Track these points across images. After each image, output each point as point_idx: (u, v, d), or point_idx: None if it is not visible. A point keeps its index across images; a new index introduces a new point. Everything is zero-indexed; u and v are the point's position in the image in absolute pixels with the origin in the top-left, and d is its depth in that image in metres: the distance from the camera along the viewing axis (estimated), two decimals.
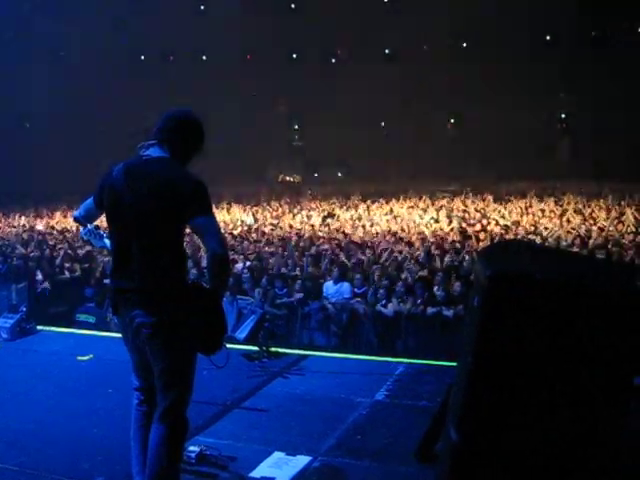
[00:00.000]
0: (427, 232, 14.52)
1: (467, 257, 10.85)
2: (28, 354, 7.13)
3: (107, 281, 9.96)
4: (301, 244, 13.19)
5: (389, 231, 14.92)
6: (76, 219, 3.96)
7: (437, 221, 16.67)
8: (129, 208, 3.38)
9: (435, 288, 9.36)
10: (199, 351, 3.57)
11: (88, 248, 12.74)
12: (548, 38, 34.32)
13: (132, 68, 34.91)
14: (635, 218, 14.93)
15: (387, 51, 36.43)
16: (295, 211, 20.56)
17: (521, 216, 17.21)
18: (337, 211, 20.20)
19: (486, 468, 2.74)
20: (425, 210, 19.36)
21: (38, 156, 30.72)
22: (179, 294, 3.42)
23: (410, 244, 12.60)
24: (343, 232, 14.88)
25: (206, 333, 3.51)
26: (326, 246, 12.68)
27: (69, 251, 12.50)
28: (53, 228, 17.34)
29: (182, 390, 3.54)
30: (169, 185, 3.37)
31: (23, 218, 20.37)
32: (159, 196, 3.34)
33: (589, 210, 17.85)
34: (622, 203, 18.75)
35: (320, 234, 14.86)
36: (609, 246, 11.39)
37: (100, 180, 3.58)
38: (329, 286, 9.97)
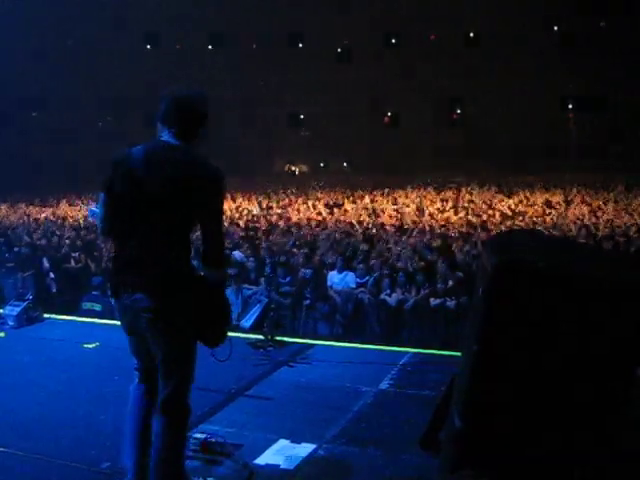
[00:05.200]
0: (433, 223, 14.51)
1: (472, 248, 10.85)
2: (34, 342, 7.17)
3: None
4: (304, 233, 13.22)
5: (394, 221, 14.92)
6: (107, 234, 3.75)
7: (443, 212, 16.67)
8: (146, 193, 3.32)
9: (437, 278, 9.38)
10: (202, 342, 3.57)
11: (92, 237, 12.82)
12: (556, 28, 34.15)
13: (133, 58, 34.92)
14: None
15: (393, 40, 36.35)
16: (301, 201, 20.58)
17: (527, 207, 17.19)
18: (343, 201, 20.21)
19: (490, 455, 2.76)
20: (432, 201, 19.35)
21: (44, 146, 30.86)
22: (184, 282, 3.42)
23: (415, 234, 12.60)
24: (351, 222, 14.88)
25: (209, 325, 3.51)
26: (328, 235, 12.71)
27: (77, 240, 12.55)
28: (64, 219, 17.42)
29: (182, 378, 3.53)
30: (190, 174, 3.34)
31: (30, 207, 20.48)
32: (178, 184, 3.32)
33: (596, 202, 17.80)
34: (630, 195, 18.71)
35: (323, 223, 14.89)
36: (616, 237, 11.36)
37: (113, 163, 3.42)
38: (333, 275, 9.98)
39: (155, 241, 3.38)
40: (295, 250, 11.56)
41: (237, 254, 11.18)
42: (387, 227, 13.87)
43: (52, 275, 10.99)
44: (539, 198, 19.07)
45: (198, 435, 4.33)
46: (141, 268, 3.38)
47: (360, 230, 13.62)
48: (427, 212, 16.56)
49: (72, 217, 17.78)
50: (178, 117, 3.41)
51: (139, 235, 3.39)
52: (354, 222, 14.94)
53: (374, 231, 13.37)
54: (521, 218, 14.71)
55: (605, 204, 17.03)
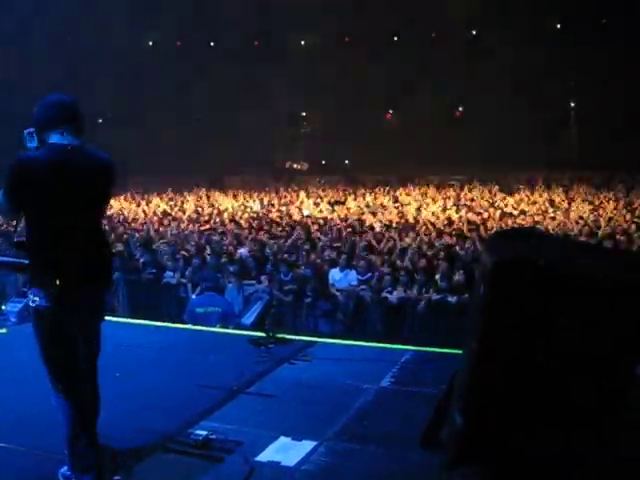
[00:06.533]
0: (434, 220, 14.51)
1: (472, 246, 10.85)
2: (27, 339, 7.15)
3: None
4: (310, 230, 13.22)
5: (395, 219, 14.92)
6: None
7: (445, 210, 16.65)
8: (72, 194, 3.51)
9: (439, 276, 9.39)
10: None
11: None
12: (558, 26, 34.05)
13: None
14: None
15: (395, 38, 36.28)
16: (302, 198, 20.56)
17: (529, 205, 17.18)
18: (344, 199, 20.20)
19: (490, 451, 2.76)
20: (433, 199, 19.34)
21: None
22: (111, 268, 3.92)
23: (416, 232, 12.60)
24: (346, 219, 14.89)
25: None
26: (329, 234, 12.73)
27: None
28: None
29: None
30: (106, 172, 3.69)
31: None
32: (98, 180, 3.63)
33: (598, 200, 17.78)
34: (630, 194, 18.69)
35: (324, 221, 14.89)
36: (617, 236, 11.36)
37: (17, 173, 3.46)
38: (335, 273, 9.99)
39: (92, 236, 3.69)
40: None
41: (243, 251, 11.20)
42: (389, 224, 13.86)
43: None
44: (540, 197, 19.05)
45: (199, 432, 4.35)
46: (87, 262, 3.61)
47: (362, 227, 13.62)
48: (428, 210, 16.54)
49: None
50: (65, 118, 3.59)
51: (75, 234, 3.57)
52: (355, 219, 14.95)
53: (376, 228, 13.37)
54: (522, 217, 14.70)
55: (607, 202, 17.02)
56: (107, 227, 14.36)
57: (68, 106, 3.64)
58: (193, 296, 9.86)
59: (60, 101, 3.65)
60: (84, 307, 3.69)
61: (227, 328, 8.02)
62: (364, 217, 15.60)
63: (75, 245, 3.56)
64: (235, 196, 21.80)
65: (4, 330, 7.49)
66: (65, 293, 3.54)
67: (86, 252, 3.61)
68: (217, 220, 15.83)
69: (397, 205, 18.03)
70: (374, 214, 16.13)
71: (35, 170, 3.44)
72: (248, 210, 18.05)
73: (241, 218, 16.19)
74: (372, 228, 13.45)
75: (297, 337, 7.20)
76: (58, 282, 3.49)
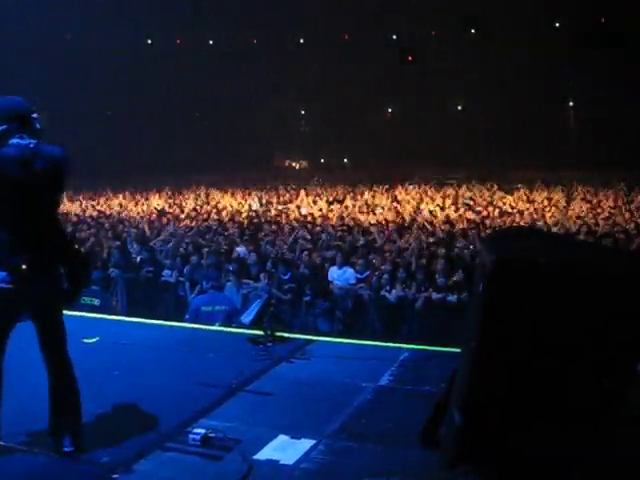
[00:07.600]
0: (433, 219, 14.51)
1: (471, 244, 10.85)
2: (34, 336, 7.14)
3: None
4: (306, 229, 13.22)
5: (393, 217, 14.92)
6: None
7: (443, 208, 16.66)
8: (38, 186, 3.78)
9: (437, 275, 9.38)
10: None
11: (93, 231, 12.83)
12: (557, 24, 34.06)
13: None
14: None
15: (394, 37, 36.30)
16: (301, 197, 20.55)
17: (528, 203, 17.18)
18: (344, 197, 20.19)
19: (489, 450, 2.76)
20: (431, 197, 19.34)
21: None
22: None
23: (415, 231, 12.59)
24: (343, 218, 14.89)
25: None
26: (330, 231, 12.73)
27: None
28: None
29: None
30: (63, 165, 3.94)
31: None
32: (57, 173, 3.91)
33: (597, 198, 17.78)
34: (631, 192, 18.68)
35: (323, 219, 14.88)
36: (616, 234, 11.36)
37: None
38: (334, 270, 9.99)
39: (52, 229, 3.97)
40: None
41: (241, 250, 11.19)
42: (388, 223, 13.86)
43: None
44: (539, 195, 19.06)
45: (198, 430, 4.34)
46: (48, 250, 3.90)
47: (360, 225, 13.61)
48: (426, 209, 16.53)
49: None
50: (23, 125, 3.84)
51: (37, 227, 3.85)
52: (354, 217, 14.95)
53: (374, 226, 13.36)
54: (521, 215, 14.70)
55: (605, 200, 17.03)
56: (106, 225, 14.38)
57: (23, 113, 3.88)
58: (192, 295, 9.84)
59: (16, 110, 3.87)
60: (41, 293, 3.97)
61: (230, 326, 8.00)
62: (362, 216, 15.59)
63: (39, 233, 3.86)
64: (234, 194, 21.79)
65: None
66: (27, 278, 3.82)
67: (47, 240, 3.91)
68: (215, 218, 15.82)
69: (395, 204, 18.02)
70: (372, 213, 16.11)
71: (6, 166, 3.70)
72: (247, 208, 18.04)
73: (240, 217, 16.18)
74: (370, 226, 13.44)
75: (296, 335, 7.18)
76: (24, 267, 3.77)
